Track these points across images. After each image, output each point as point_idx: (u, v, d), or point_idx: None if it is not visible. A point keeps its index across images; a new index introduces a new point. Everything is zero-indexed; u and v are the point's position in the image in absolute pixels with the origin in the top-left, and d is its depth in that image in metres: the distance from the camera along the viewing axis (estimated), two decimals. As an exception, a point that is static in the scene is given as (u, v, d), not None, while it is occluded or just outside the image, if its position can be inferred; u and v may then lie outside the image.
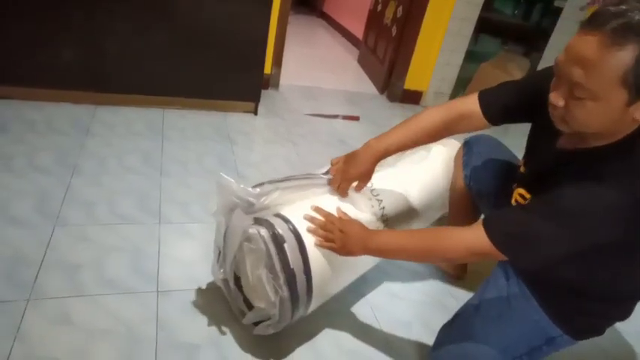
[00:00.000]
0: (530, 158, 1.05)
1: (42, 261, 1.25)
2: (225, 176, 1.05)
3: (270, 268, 1.02)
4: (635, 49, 0.67)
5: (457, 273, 1.54)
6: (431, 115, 1.10)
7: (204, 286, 1.29)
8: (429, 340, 1.25)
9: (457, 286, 1.52)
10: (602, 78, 0.70)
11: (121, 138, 1.94)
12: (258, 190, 1.07)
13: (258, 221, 1.05)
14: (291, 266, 1.01)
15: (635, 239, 0.84)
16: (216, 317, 1.21)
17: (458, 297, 1.47)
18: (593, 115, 0.75)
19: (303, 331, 1.22)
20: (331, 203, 1.14)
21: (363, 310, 1.35)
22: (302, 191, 1.15)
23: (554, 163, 0.91)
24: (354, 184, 1.16)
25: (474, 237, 0.87)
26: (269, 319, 1.09)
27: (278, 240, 1.01)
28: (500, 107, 1.06)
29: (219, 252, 1.14)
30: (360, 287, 1.40)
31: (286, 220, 1.06)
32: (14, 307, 1.11)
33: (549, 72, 0.83)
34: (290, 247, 1.02)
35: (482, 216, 0.94)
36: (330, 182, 1.17)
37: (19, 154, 1.68)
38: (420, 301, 1.44)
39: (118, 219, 1.47)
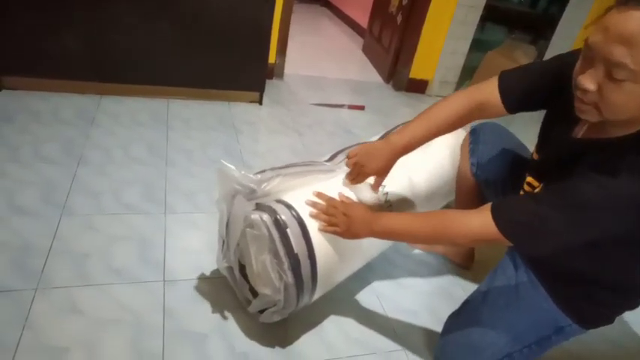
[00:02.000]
0: (543, 146, 1.02)
1: (49, 250, 1.26)
2: (226, 163, 1.04)
3: (274, 254, 1.01)
4: None
5: (464, 263, 1.53)
6: (450, 105, 1.06)
7: (210, 275, 1.29)
8: (436, 328, 1.26)
9: (464, 275, 1.52)
10: None
11: (126, 128, 1.94)
12: (259, 176, 1.07)
13: (260, 207, 1.05)
14: (295, 251, 1.01)
15: None
16: (222, 306, 1.21)
17: (465, 286, 1.46)
18: (633, 98, 0.70)
19: (309, 319, 1.22)
20: (334, 189, 1.14)
21: (370, 298, 1.35)
22: (304, 177, 1.14)
23: (568, 152, 0.88)
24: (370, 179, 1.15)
25: (480, 223, 0.85)
26: (274, 305, 1.09)
27: (281, 225, 1.01)
28: (519, 94, 1.01)
29: (223, 241, 1.14)
30: (366, 276, 1.40)
31: (289, 206, 1.05)
32: (23, 296, 1.12)
33: (571, 58, 0.80)
34: (293, 232, 1.01)
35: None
36: (346, 176, 1.15)
37: (24, 144, 1.68)
38: (427, 291, 1.43)
39: (124, 209, 1.48)
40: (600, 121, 0.78)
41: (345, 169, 1.15)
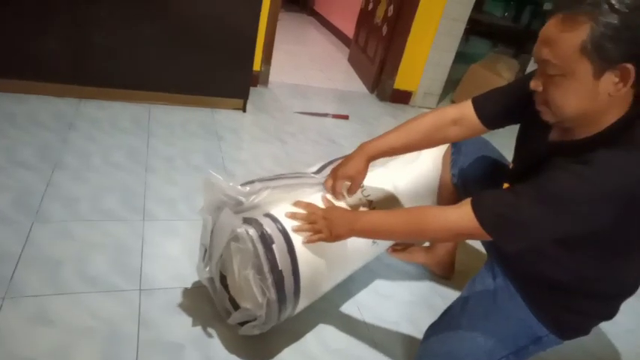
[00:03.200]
0: (519, 155, 1.05)
1: (19, 257, 1.21)
2: (214, 173, 1.02)
3: (258, 269, 0.99)
4: (588, 18, 0.71)
5: (444, 273, 1.53)
6: (424, 119, 1.11)
7: (188, 285, 1.27)
8: (416, 339, 1.25)
9: (444, 285, 1.52)
10: (563, 50, 0.74)
11: (106, 133, 1.90)
12: (247, 188, 1.05)
13: (247, 220, 1.03)
14: (280, 268, 0.99)
15: (622, 234, 0.84)
16: (200, 316, 1.18)
17: (445, 296, 1.46)
18: (568, 92, 0.77)
19: (290, 331, 1.20)
20: (321, 203, 1.13)
21: (351, 309, 1.34)
22: (292, 191, 1.13)
23: (541, 155, 0.91)
24: (347, 185, 1.15)
25: (460, 216, 0.86)
26: (255, 319, 1.06)
27: (267, 240, 0.99)
28: (494, 109, 1.06)
29: (205, 250, 1.12)
30: (347, 286, 1.39)
31: (275, 220, 1.03)
32: (-11, 305, 1.08)
33: (534, 73, 0.85)
34: (279, 247, 1.00)
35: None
36: (324, 183, 1.16)
37: (-2, 147, 1.63)
38: (408, 301, 1.43)
39: (101, 215, 1.44)
40: (565, 123, 0.83)
41: None
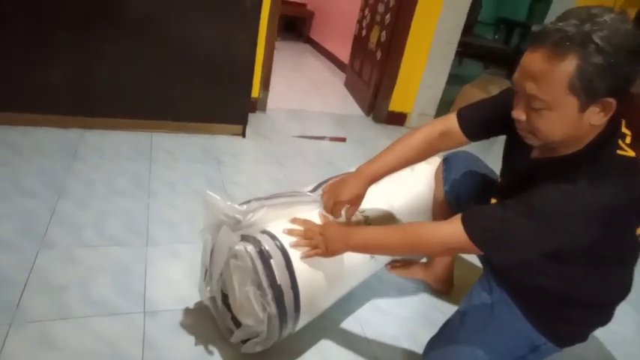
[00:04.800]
0: (505, 170, 1.09)
1: (25, 284, 1.24)
2: (212, 193, 1.06)
3: (258, 285, 1.02)
4: (575, 57, 0.74)
5: (443, 288, 1.55)
6: (414, 136, 1.17)
7: (191, 306, 1.29)
8: (417, 354, 1.26)
9: (444, 300, 1.53)
10: (551, 87, 0.77)
11: (109, 161, 1.95)
12: (245, 207, 1.09)
13: (244, 238, 1.06)
14: (279, 282, 1.01)
15: (608, 247, 0.87)
16: (203, 336, 1.20)
17: (445, 311, 1.47)
18: (553, 123, 0.81)
19: (292, 349, 1.22)
20: (317, 219, 1.16)
21: (351, 325, 1.35)
22: (289, 208, 1.16)
23: (527, 172, 0.95)
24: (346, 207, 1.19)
25: (451, 230, 0.90)
26: (257, 336, 1.08)
27: (265, 256, 1.02)
28: (476, 123, 1.12)
29: (206, 270, 1.15)
30: (347, 303, 1.41)
31: (273, 237, 1.07)
32: (-4, 330, 1.10)
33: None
34: (277, 263, 1.02)
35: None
36: (323, 207, 1.19)
37: (3, 177, 1.67)
38: (408, 317, 1.44)
39: (105, 241, 1.47)
40: (548, 144, 0.87)
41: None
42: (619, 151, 0.82)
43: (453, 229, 0.90)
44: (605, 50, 0.73)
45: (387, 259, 1.44)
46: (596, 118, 0.80)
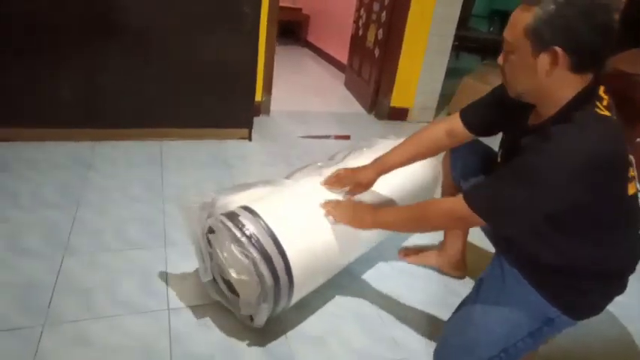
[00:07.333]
0: (502, 146, 1.16)
1: (54, 287, 1.29)
2: (189, 199, 1.20)
3: (233, 239, 1.10)
4: (539, 9, 0.85)
5: (457, 272, 1.59)
6: (421, 135, 1.29)
7: (211, 302, 1.33)
8: (435, 335, 1.30)
9: (458, 284, 1.57)
10: (515, 30, 0.89)
11: (122, 170, 2.01)
12: (213, 194, 1.23)
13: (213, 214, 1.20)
14: (252, 231, 1.11)
15: (601, 207, 0.92)
16: (226, 328, 1.25)
17: (460, 294, 1.49)
18: (515, 67, 0.93)
19: (311, 335, 1.26)
20: (298, 194, 1.31)
21: (368, 311, 1.40)
22: (261, 189, 1.32)
23: (520, 140, 1.00)
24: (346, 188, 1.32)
25: (452, 202, 1.01)
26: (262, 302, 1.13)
27: (233, 214, 1.16)
28: (479, 119, 1.21)
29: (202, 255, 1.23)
30: (361, 290, 1.46)
31: (239, 204, 1.21)
32: (30, 333, 1.14)
33: None
34: (245, 217, 1.14)
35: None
36: (328, 180, 1.32)
37: (23, 190, 1.73)
38: (424, 301, 1.48)
39: (125, 244, 1.52)
40: (536, 111, 0.97)
41: (302, 177, 1.39)
42: (596, 110, 0.88)
43: (457, 200, 0.98)
44: (558, 2, 0.83)
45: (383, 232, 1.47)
46: (550, 68, 0.87)
